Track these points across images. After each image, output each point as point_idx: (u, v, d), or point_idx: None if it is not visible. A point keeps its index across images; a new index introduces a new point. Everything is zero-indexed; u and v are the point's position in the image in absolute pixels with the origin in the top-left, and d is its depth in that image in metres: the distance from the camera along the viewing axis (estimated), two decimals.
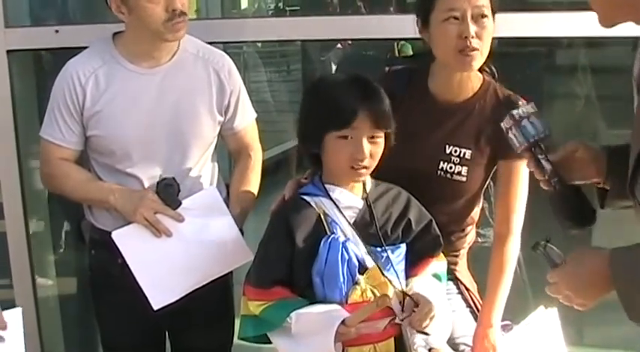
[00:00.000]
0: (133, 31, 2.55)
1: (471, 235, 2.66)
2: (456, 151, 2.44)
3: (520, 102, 2.22)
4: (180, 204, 2.54)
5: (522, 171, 2.42)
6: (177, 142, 2.59)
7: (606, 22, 1.74)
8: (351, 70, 2.44)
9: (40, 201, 3.52)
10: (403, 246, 2.34)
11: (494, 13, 2.35)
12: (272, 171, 4.62)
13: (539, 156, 1.93)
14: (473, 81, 2.44)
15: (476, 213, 2.61)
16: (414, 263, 2.38)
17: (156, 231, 2.52)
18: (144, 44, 2.53)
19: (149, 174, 2.58)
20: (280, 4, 6.53)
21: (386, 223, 2.33)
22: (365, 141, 2.23)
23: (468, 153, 2.44)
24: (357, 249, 2.28)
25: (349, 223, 2.31)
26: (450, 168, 2.44)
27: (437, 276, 2.41)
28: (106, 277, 2.64)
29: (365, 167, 2.26)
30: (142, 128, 2.56)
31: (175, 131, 2.59)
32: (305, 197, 2.35)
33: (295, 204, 2.35)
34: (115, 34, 2.63)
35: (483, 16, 2.32)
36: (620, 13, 1.70)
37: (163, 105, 2.57)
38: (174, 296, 2.52)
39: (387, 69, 2.63)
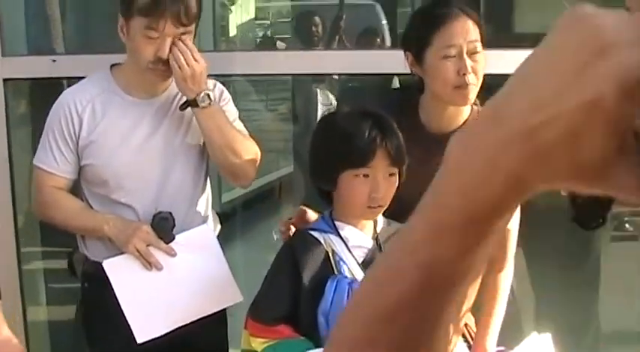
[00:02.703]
0: (129, 57, 2.34)
1: None
2: None
3: None
4: (174, 238, 2.31)
5: None
6: (171, 172, 2.36)
7: None
8: (353, 103, 2.21)
9: (33, 230, 3.26)
10: None
11: (483, 46, 2.23)
12: (257, 201, 4.36)
13: None
14: (463, 111, 2.29)
15: None
16: None
17: (147, 263, 2.29)
18: (138, 74, 2.31)
19: (143, 204, 2.35)
20: (269, 33, 6.31)
21: None
22: (382, 180, 2.02)
23: None
24: None
25: (357, 263, 2.08)
26: None
27: None
28: (101, 311, 2.39)
29: (381, 205, 2.04)
30: (135, 158, 2.34)
31: (169, 161, 2.36)
32: (314, 233, 2.11)
33: (303, 240, 2.11)
34: (113, 65, 2.41)
35: (477, 51, 2.19)
36: None
37: (158, 136, 2.35)
38: (159, 330, 2.29)
39: (375, 100, 2.47)
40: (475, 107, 2.31)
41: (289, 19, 5.56)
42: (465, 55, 2.17)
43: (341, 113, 2.13)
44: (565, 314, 2.73)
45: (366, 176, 2.02)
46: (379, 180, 2.02)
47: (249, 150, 2.36)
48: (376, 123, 2.04)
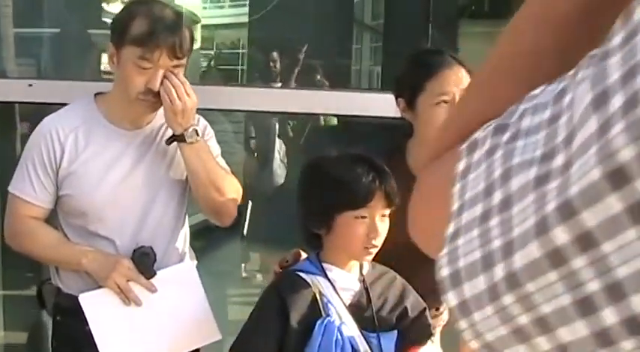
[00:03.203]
0: (117, 85, 2.27)
1: (445, 314, 2.45)
2: None
3: None
4: (155, 274, 2.24)
5: None
6: (152, 206, 2.30)
7: None
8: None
9: None
10: (395, 333, 2.10)
11: None
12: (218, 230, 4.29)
13: None
14: None
15: None
16: (402, 350, 2.11)
17: (126, 299, 2.22)
18: (125, 104, 2.24)
19: (122, 238, 2.27)
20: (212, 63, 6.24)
21: (381, 308, 2.10)
22: (378, 221, 2.02)
23: None
24: (351, 332, 2.03)
25: (345, 305, 2.06)
26: None
27: None
28: (73, 346, 2.29)
29: (376, 246, 2.05)
30: (117, 190, 2.26)
31: (151, 195, 2.30)
32: (301, 274, 2.09)
33: (291, 280, 2.09)
34: (97, 94, 2.33)
35: None
36: None
37: (140, 168, 2.28)
38: None
39: (362, 144, 2.43)
40: None
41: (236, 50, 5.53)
42: (455, 103, 2.20)
43: (329, 158, 2.11)
44: None
45: (363, 217, 2.02)
46: (376, 221, 2.02)
47: (233, 187, 2.32)
48: (372, 166, 2.05)
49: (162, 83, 2.16)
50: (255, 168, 4.20)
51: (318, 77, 4.36)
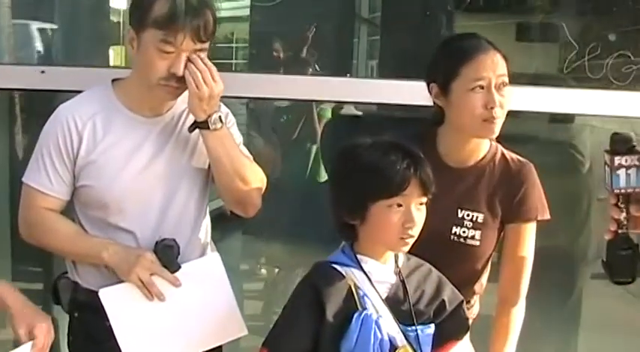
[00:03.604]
0: (137, 71, 2.16)
1: (475, 307, 2.39)
2: (468, 215, 2.22)
3: (632, 147, 1.83)
4: (180, 267, 2.12)
5: (531, 234, 2.25)
6: (174, 197, 2.19)
7: None
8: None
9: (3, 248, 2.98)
10: (432, 326, 2.02)
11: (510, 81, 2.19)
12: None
13: (621, 206, 1.79)
14: (482, 144, 2.25)
15: (482, 282, 2.35)
16: (439, 344, 2.03)
17: (149, 293, 2.10)
18: (145, 91, 2.13)
19: (143, 230, 2.17)
20: None
21: (418, 301, 2.02)
22: (414, 209, 1.93)
23: (481, 217, 2.22)
24: (388, 326, 1.95)
25: (381, 298, 1.98)
26: (464, 232, 2.22)
27: None
28: (91, 343, 2.19)
29: (412, 236, 1.96)
30: (138, 180, 2.15)
31: (173, 185, 2.19)
32: (335, 266, 2.00)
33: (326, 272, 2.00)
34: (114, 80, 2.22)
35: (505, 84, 2.16)
36: None
37: (161, 157, 2.18)
38: None
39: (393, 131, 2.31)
40: (494, 143, 2.25)
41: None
42: (493, 89, 2.12)
43: (363, 144, 2.01)
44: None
45: (399, 206, 1.93)
46: (412, 209, 1.94)
47: (257, 176, 2.22)
48: (407, 152, 1.96)
49: (186, 67, 2.06)
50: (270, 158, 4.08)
51: (318, 70, 4.26)
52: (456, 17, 5.82)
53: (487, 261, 2.29)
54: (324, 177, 4.09)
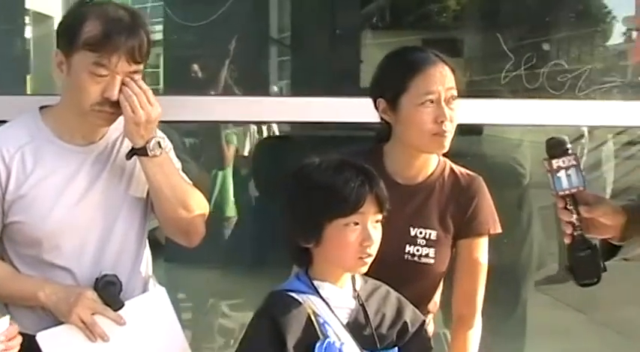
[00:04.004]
0: (67, 97, 2.01)
1: (430, 326, 2.30)
2: (421, 233, 2.16)
3: (566, 149, 1.90)
4: (123, 305, 1.98)
5: (484, 249, 2.21)
6: (112, 229, 2.05)
7: None
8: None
9: None
10: (396, 350, 1.94)
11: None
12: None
13: (569, 208, 1.87)
14: (431, 160, 2.19)
15: (435, 300, 2.28)
16: None
17: (91, 334, 1.96)
18: (77, 117, 1.99)
19: (82, 266, 2.02)
20: None
21: (380, 325, 1.94)
22: (370, 227, 1.88)
23: (434, 234, 2.16)
24: None
25: (342, 325, 1.89)
26: (417, 250, 2.15)
27: None
28: None
29: (370, 255, 1.89)
30: (73, 213, 2.01)
31: (111, 217, 2.05)
32: (291, 294, 1.90)
33: (282, 301, 1.90)
34: (42, 107, 2.07)
35: (454, 97, 2.10)
36: None
37: (97, 187, 2.04)
38: None
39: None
40: (442, 158, 2.20)
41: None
42: (442, 102, 2.07)
43: (313, 165, 1.93)
44: None
45: (356, 224, 1.86)
46: (369, 227, 1.87)
47: (200, 203, 2.10)
48: (360, 170, 1.90)
49: (120, 91, 1.93)
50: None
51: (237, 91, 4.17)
52: (363, 35, 5.86)
53: (440, 279, 2.23)
54: (232, 209, 4.03)
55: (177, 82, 4.20)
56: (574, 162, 1.87)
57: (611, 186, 4.03)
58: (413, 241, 2.14)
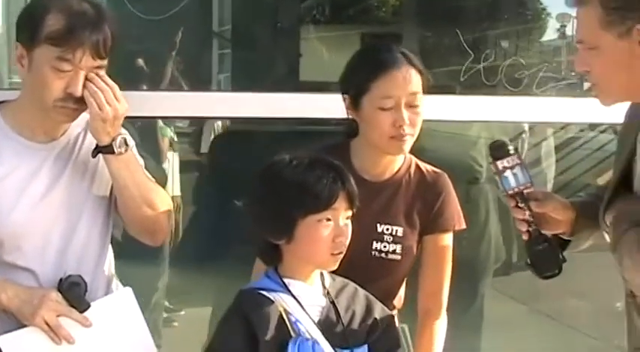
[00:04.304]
0: (28, 92, 1.95)
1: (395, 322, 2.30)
2: (388, 229, 2.17)
3: (508, 150, 1.97)
4: (89, 306, 1.93)
5: (449, 245, 2.24)
6: (75, 229, 2.00)
7: (609, 102, 1.86)
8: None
9: None
10: (366, 347, 1.95)
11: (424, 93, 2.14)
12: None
13: (521, 206, 1.95)
14: (398, 157, 2.21)
15: (400, 295, 2.30)
16: None
17: (56, 337, 1.90)
18: (38, 114, 1.94)
19: (44, 267, 1.97)
20: None
21: (350, 322, 1.94)
22: (342, 223, 1.89)
23: (400, 231, 2.18)
24: (324, 350, 1.86)
25: (314, 322, 1.89)
26: (384, 247, 2.17)
27: None
28: None
29: (341, 252, 1.90)
30: (35, 212, 1.95)
31: (73, 216, 2.00)
32: (263, 292, 1.90)
33: (254, 300, 1.89)
34: (0, 102, 2.01)
35: (416, 103, 2.10)
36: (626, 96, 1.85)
37: (59, 185, 1.98)
38: None
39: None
40: (408, 155, 2.22)
41: None
42: (402, 107, 2.06)
43: (283, 162, 1.92)
44: None
45: (328, 220, 1.87)
46: (341, 223, 1.88)
47: (165, 201, 2.07)
48: (330, 166, 1.91)
49: (84, 87, 1.88)
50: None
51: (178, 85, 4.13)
52: (303, 29, 5.85)
53: (406, 274, 2.25)
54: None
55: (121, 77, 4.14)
56: (518, 161, 1.94)
57: (552, 181, 4.12)
58: (380, 238, 2.15)
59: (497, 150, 1.97)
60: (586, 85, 4.94)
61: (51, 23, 1.86)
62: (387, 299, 2.16)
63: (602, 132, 4.42)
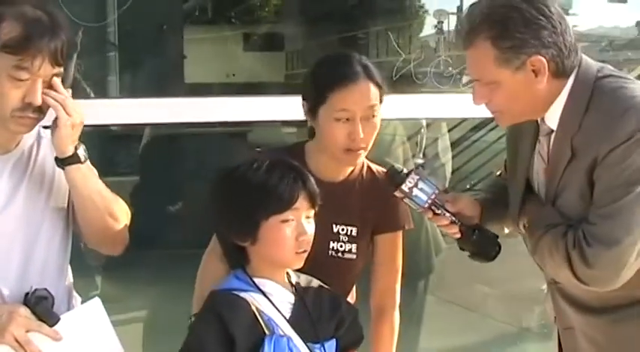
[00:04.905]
0: None
1: None
2: (343, 230, 2.24)
3: (404, 172, 2.10)
4: (59, 319, 1.91)
5: (400, 243, 2.34)
6: (36, 242, 1.98)
7: (509, 123, 2.11)
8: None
9: None
10: (334, 341, 2.04)
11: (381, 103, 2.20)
12: None
13: (439, 212, 2.09)
14: None
15: (353, 293, 2.38)
16: None
17: None
18: None
19: (8, 282, 1.93)
20: None
21: (319, 317, 2.03)
22: (304, 222, 1.97)
23: (355, 231, 2.25)
24: (297, 346, 1.95)
25: (286, 319, 1.97)
26: (341, 246, 2.24)
27: None
28: None
29: (306, 250, 1.98)
30: None
31: (34, 229, 1.98)
32: (235, 292, 1.96)
33: (227, 299, 1.95)
34: None
35: (373, 115, 2.16)
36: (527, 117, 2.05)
37: (18, 198, 1.96)
38: None
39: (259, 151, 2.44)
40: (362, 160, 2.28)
41: None
42: (358, 121, 2.11)
43: (245, 166, 1.99)
44: None
45: (290, 220, 1.94)
46: (302, 222, 1.96)
47: (124, 210, 2.07)
48: (290, 167, 1.99)
49: (44, 95, 1.87)
50: None
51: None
52: (186, 31, 5.85)
53: (360, 273, 2.33)
54: None
55: None
56: (417, 177, 2.07)
57: (449, 177, 4.31)
58: (336, 238, 2.22)
59: (396, 177, 2.09)
60: (465, 79, 5.23)
61: (7, 31, 1.83)
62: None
63: (491, 130, 4.68)
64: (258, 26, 6.17)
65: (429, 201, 2.06)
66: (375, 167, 2.32)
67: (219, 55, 6.09)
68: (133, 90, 4.95)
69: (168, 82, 5.27)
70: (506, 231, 2.24)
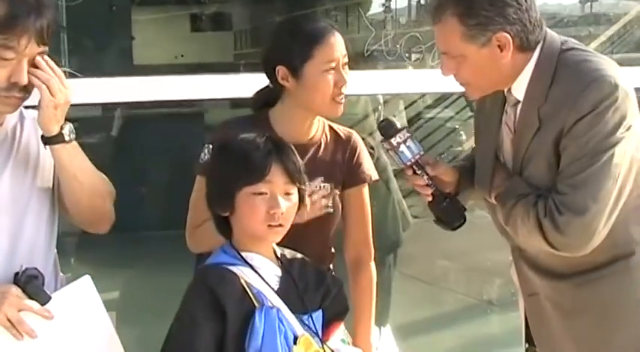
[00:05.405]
0: None
1: None
2: (317, 187, 2.33)
3: (397, 126, 2.24)
4: (50, 298, 1.95)
5: (367, 195, 2.46)
6: (24, 221, 2.01)
7: (478, 95, 2.21)
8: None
9: None
10: (320, 311, 2.11)
11: None
12: None
13: (418, 173, 2.22)
14: (316, 120, 2.39)
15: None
16: (326, 326, 2.13)
17: (18, 333, 1.91)
18: None
19: None
20: None
21: (305, 289, 2.10)
22: (280, 197, 2.01)
23: (328, 186, 2.35)
24: (287, 317, 2.01)
25: (274, 291, 2.03)
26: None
27: (343, 341, 2.20)
28: None
29: (281, 225, 2.02)
30: None
31: (21, 209, 2.00)
32: (224, 266, 2.02)
33: (218, 273, 2.01)
34: None
35: (346, 64, 2.32)
36: (494, 89, 2.16)
37: (4, 178, 1.98)
38: None
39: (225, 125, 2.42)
40: (320, 118, 2.39)
41: None
42: (340, 69, 2.26)
43: (234, 137, 2.06)
44: None
45: (264, 194, 2.00)
46: (277, 197, 2.00)
47: (109, 188, 2.11)
48: (271, 141, 2.05)
49: (30, 73, 1.89)
50: None
51: None
52: (134, 11, 5.83)
53: (334, 229, 2.42)
54: None
55: None
56: (408, 134, 2.21)
57: None
58: (311, 194, 2.26)
59: (388, 129, 2.22)
60: (414, 57, 5.33)
61: None
62: (324, 256, 2.38)
63: (446, 107, 4.80)
64: (206, 6, 6.17)
65: (412, 160, 2.19)
66: (336, 126, 2.44)
67: (167, 36, 6.08)
68: (80, 72, 4.94)
69: (117, 64, 5.26)
70: (471, 201, 2.36)
